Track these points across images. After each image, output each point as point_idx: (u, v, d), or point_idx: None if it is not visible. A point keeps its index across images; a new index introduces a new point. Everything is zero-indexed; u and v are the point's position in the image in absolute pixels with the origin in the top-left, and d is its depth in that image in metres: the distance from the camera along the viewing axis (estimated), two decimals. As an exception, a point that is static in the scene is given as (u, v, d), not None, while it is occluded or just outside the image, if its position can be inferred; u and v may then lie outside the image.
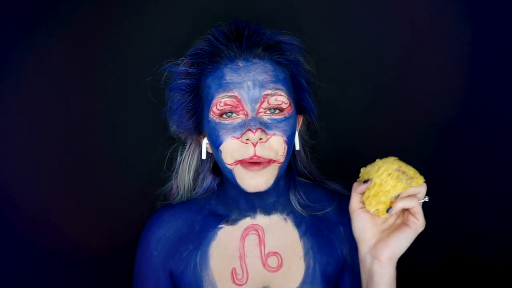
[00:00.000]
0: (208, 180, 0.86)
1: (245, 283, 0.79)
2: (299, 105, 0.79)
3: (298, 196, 0.82)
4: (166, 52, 0.83)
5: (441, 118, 1.04)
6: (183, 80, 0.78)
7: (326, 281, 0.78)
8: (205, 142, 0.81)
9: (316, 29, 1.02)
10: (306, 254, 0.79)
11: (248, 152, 0.71)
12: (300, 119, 0.83)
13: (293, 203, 0.82)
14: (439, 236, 1.06)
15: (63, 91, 1.05)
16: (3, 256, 1.04)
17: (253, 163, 0.72)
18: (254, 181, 0.72)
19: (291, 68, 0.77)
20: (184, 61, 0.79)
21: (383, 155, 1.04)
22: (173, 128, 0.83)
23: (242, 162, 0.72)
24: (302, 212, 0.81)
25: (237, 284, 0.80)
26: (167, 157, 0.89)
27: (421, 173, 1.04)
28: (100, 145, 1.08)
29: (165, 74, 0.80)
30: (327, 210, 0.82)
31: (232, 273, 0.80)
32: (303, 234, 0.81)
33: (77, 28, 1.03)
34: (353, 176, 0.89)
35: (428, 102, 1.04)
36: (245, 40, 0.74)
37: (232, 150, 0.72)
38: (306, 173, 0.88)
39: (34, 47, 1.02)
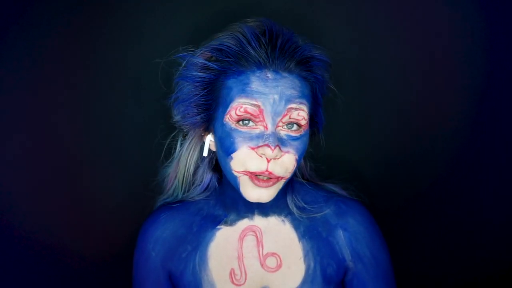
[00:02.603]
0: (208, 177, 0.84)
1: (244, 283, 0.79)
2: (312, 119, 0.78)
3: (296, 199, 0.82)
4: (167, 42, 0.79)
5: (448, 127, 1.03)
6: (199, 73, 0.74)
7: (327, 281, 0.79)
8: (208, 139, 0.78)
9: (330, 32, 1.00)
10: (306, 255, 0.80)
11: (261, 166, 0.70)
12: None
13: (290, 207, 0.82)
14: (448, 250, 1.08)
15: (55, 83, 0.96)
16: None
17: (262, 180, 0.70)
18: (258, 193, 0.71)
19: (314, 85, 0.75)
20: (202, 52, 0.74)
21: (388, 161, 1.07)
22: (177, 118, 0.79)
23: (250, 175, 0.71)
24: (300, 214, 0.81)
25: (235, 284, 0.79)
26: (165, 148, 0.86)
27: (422, 183, 1.07)
28: (95, 142, 1.01)
29: (183, 63, 0.75)
30: (325, 212, 0.82)
31: (230, 273, 0.79)
32: (301, 236, 0.81)
33: (76, 19, 0.95)
34: (352, 178, 0.92)
35: (432, 108, 1.03)
36: (278, 49, 0.70)
37: (245, 159, 0.70)
38: (305, 177, 0.89)
39: (30, 39, 0.93)
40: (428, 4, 0.99)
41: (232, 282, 0.79)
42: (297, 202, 0.82)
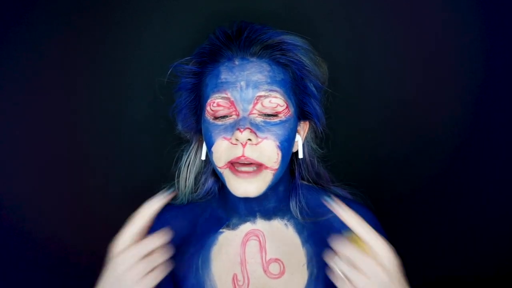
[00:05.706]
0: (210, 183, 0.85)
1: None
2: (302, 110, 0.77)
3: (299, 203, 0.81)
4: (174, 52, 0.82)
5: (447, 127, 1.02)
6: (188, 79, 0.78)
7: None
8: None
9: (328, 33, 1.00)
10: (309, 261, 0.78)
11: (236, 152, 0.70)
12: (306, 126, 0.81)
13: (293, 211, 0.80)
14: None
15: (67, 89, 1.04)
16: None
17: (242, 171, 0.70)
18: (243, 187, 0.71)
19: (293, 69, 0.74)
20: (192, 61, 0.79)
21: (393, 164, 1.04)
22: (178, 126, 0.83)
23: (231, 166, 0.71)
24: (302, 219, 0.80)
25: None
26: (176, 157, 0.88)
27: (431, 188, 1.03)
28: (105, 146, 1.07)
29: (168, 73, 0.80)
30: (329, 216, 0.80)
31: (233, 279, 0.79)
32: (305, 241, 0.79)
33: (85, 27, 1.02)
34: (359, 182, 0.89)
35: (431, 109, 1.01)
36: (244, 38, 0.73)
37: (222, 151, 0.71)
38: (311, 180, 0.86)
39: (39, 46, 1.01)
40: (425, 4, 0.99)
41: (235, 287, 0.78)
42: (300, 206, 0.80)
